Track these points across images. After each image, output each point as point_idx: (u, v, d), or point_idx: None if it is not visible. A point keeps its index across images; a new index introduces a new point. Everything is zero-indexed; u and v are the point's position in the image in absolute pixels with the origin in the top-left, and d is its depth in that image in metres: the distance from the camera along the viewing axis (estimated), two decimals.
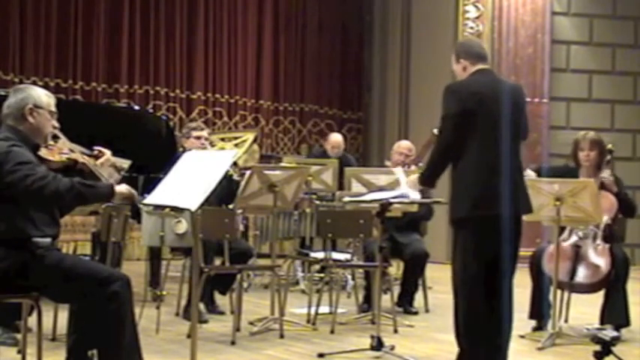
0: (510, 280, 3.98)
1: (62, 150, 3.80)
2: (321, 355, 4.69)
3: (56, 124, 3.78)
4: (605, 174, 5.41)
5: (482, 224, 3.91)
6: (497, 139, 3.93)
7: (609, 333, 4.00)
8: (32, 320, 3.86)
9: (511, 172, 3.95)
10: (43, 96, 3.72)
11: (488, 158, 3.91)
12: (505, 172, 3.92)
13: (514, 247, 3.98)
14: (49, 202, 3.55)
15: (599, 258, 5.32)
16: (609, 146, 5.53)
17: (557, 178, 5.34)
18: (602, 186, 5.36)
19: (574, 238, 5.42)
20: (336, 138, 8.92)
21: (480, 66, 4.09)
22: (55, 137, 3.82)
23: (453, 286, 4.05)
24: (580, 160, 5.53)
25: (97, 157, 3.91)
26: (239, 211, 5.98)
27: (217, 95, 11.20)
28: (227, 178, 6.03)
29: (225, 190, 5.95)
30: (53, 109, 3.75)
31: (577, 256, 5.32)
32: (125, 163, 4.17)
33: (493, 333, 3.92)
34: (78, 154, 3.82)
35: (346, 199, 5.47)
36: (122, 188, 3.61)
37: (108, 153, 3.95)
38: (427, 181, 4.18)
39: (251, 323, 5.58)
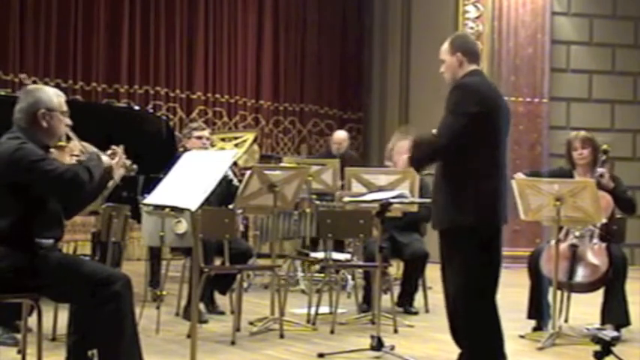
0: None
1: (73, 151, 3.78)
2: (321, 355, 4.69)
3: (69, 122, 3.76)
4: (600, 170, 5.41)
5: (488, 232, 3.88)
6: (501, 147, 3.91)
7: (609, 333, 4.00)
8: (32, 320, 3.86)
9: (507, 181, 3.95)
10: (53, 97, 3.70)
11: (494, 166, 3.87)
12: (505, 179, 3.92)
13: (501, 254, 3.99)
14: (80, 190, 3.55)
15: (596, 257, 5.32)
16: (604, 146, 5.53)
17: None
18: (598, 185, 5.36)
19: (571, 238, 5.42)
20: (338, 135, 8.91)
21: (475, 66, 4.00)
22: (68, 138, 3.81)
23: (444, 292, 4.00)
24: (575, 160, 5.55)
25: (110, 158, 3.89)
26: (239, 211, 5.98)
27: (217, 95, 11.19)
28: (226, 182, 6.05)
29: (225, 192, 5.96)
30: (65, 108, 3.73)
31: (574, 255, 5.32)
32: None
33: (493, 336, 3.91)
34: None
35: (346, 199, 5.47)
36: (106, 159, 3.69)
37: (121, 153, 3.92)
38: (420, 165, 4.10)
39: (251, 323, 5.58)
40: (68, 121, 3.75)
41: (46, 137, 3.67)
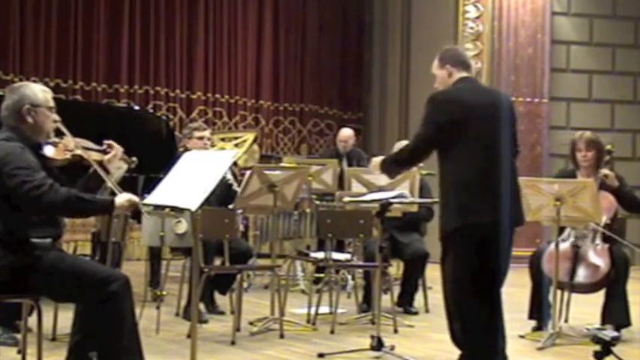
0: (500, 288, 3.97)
1: (67, 147, 3.76)
2: (321, 355, 4.70)
3: (57, 118, 3.75)
4: (604, 171, 5.38)
5: (478, 233, 3.86)
6: (493, 148, 3.89)
7: (609, 333, 4.00)
8: (32, 320, 3.86)
9: (510, 181, 3.93)
10: (38, 93, 3.69)
11: (484, 167, 3.87)
12: (504, 179, 3.90)
13: (508, 256, 3.96)
14: (44, 211, 3.54)
15: (598, 258, 5.31)
16: (608, 146, 5.51)
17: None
18: (602, 185, 5.35)
19: (573, 239, 5.42)
20: (344, 133, 8.78)
21: (465, 74, 4.07)
22: (60, 133, 3.79)
23: (444, 296, 4.00)
24: (578, 161, 5.51)
25: (105, 152, 3.89)
26: (239, 211, 5.98)
27: (217, 95, 11.19)
28: (226, 184, 6.04)
29: (225, 194, 5.96)
30: (51, 104, 3.72)
31: (576, 256, 5.32)
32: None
33: (493, 339, 3.90)
34: (82, 150, 3.79)
35: (346, 199, 5.47)
36: (123, 201, 3.57)
37: (117, 147, 3.92)
38: (389, 172, 4.35)
39: (251, 323, 5.58)
40: (56, 117, 3.73)
41: (33, 134, 3.65)
